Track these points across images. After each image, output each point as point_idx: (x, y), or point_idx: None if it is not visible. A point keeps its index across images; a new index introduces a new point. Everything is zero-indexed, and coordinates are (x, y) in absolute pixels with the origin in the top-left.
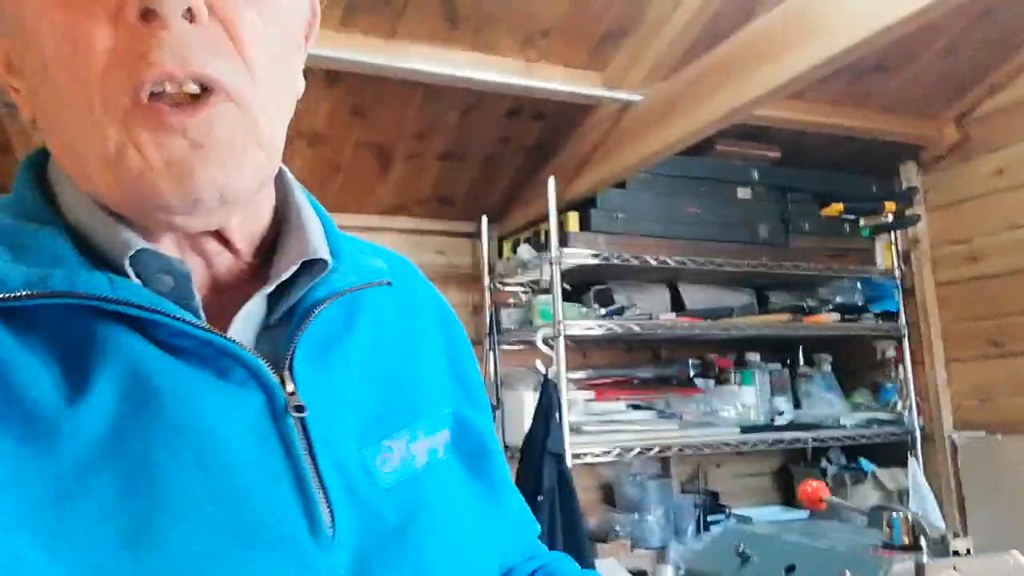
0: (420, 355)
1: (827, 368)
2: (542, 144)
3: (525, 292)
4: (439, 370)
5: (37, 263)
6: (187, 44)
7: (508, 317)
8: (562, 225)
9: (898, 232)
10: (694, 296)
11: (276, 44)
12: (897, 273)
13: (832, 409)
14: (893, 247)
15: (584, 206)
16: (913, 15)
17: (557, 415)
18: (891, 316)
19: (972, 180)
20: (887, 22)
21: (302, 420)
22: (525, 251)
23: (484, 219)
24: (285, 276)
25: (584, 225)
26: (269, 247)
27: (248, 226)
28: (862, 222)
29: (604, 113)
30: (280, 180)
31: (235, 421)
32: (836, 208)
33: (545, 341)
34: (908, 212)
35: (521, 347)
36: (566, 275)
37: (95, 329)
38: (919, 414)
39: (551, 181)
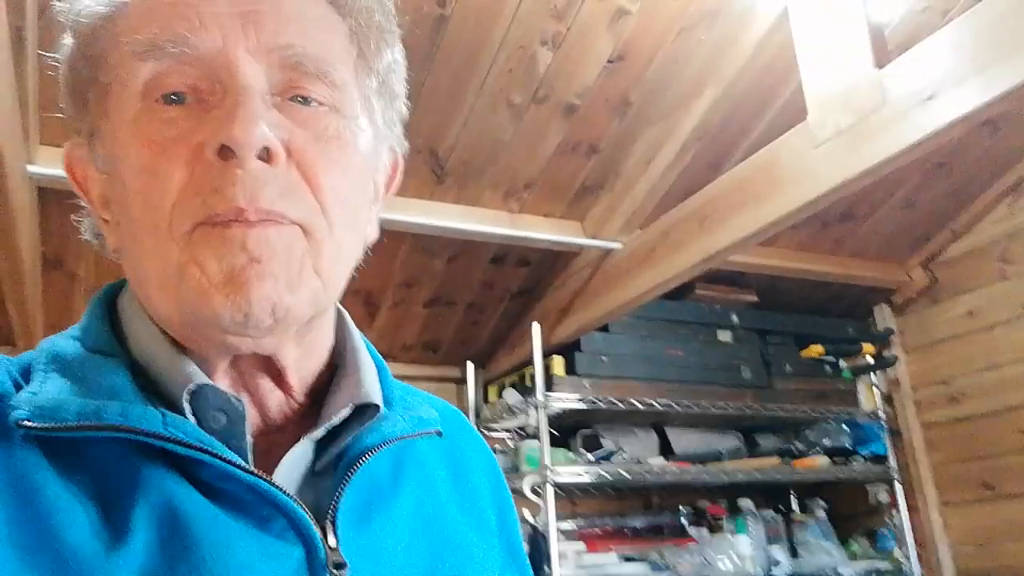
0: (469, 514)
1: (821, 514)
2: (526, 290)
3: (512, 438)
4: (488, 533)
5: (95, 395)
6: (261, 183)
7: None
8: (547, 369)
9: (879, 373)
10: (682, 440)
11: (351, 190)
12: (882, 415)
13: (830, 559)
14: (875, 388)
15: (569, 350)
16: (872, 169)
17: (547, 568)
18: (880, 459)
19: (945, 322)
20: (848, 175)
21: None
22: (511, 395)
23: (470, 364)
24: (336, 421)
25: (569, 369)
26: (323, 389)
27: (303, 363)
28: (843, 364)
29: (585, 260)
30: (340, 322)
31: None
32: (816, 350)
33: (533, 489)
34: (886, 353)
35: None
36: (553, 420)
37: (140, 467)
38: (919, 562)
39: (535, 326)
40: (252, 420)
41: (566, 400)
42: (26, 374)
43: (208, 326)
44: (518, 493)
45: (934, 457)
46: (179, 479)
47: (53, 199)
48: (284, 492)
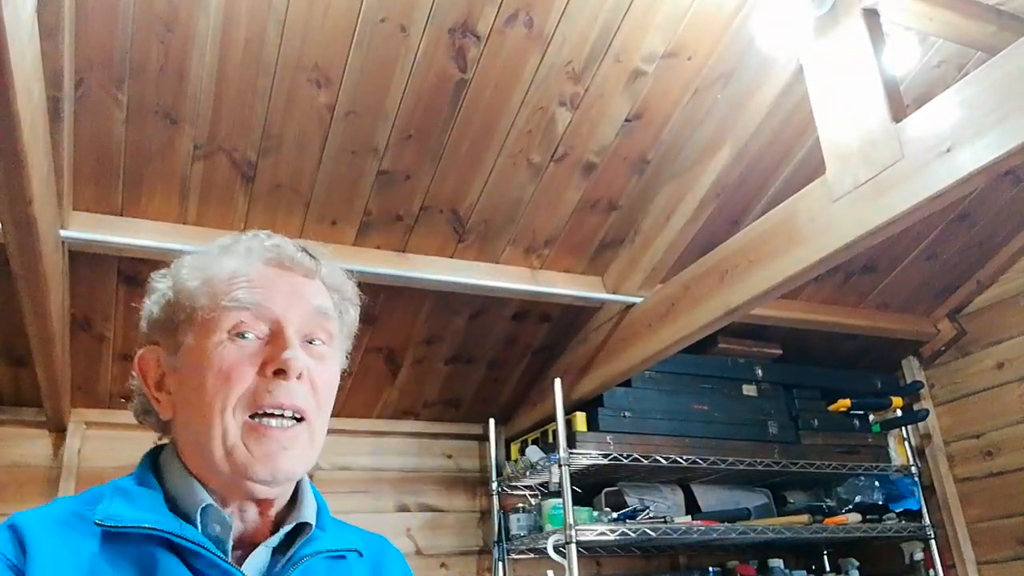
0: None
1: (855, 573)
2: (547, 346)
3: (534, 495)
4: None
5: (140, 510)
6: (295, 392)
7: (517, 523)
8: (570, 425)
9: (909, 427)
10: (708, 497)
11: (332, 394)
12: (914, 469)
13: None
14: (906, 443)
15: (591, 405)
16: (891, 221)
17: None
18: (914, 515)
19: (975, 374)
20: (868, 228)
21: None
22: (533, 452)
23: (492, 421)
24: (283, 531)
25: (592, 425)
26: (283, 519)
27: (279, 501)
28: (871, 418)
29: (606, 315)
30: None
31: None
32: (843, 404)
33: (556, 549)
34: (916, 407)
35: (531, 555)
36: (576, 477)
37: (160, 557)
38: None
39: (557, 382)
40: (237, 530)
41: (589, 457)
42: (99, 498)
43: (247, 480)
44: (541, 552)
45: (969, 513)
46: (181, 565)
47: (83, 262)
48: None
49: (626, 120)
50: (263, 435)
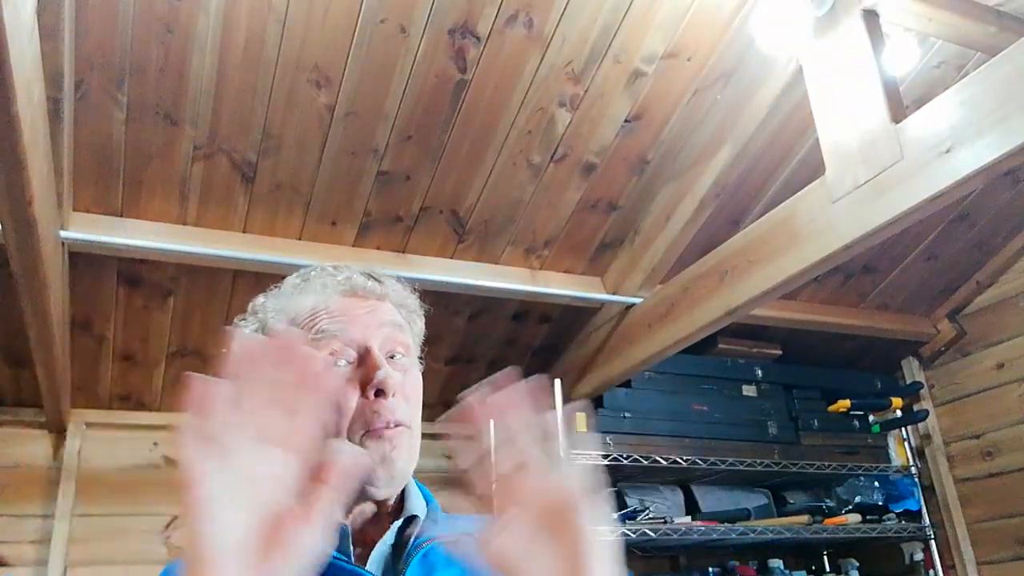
0: None
1: (855, 574)
2: (547, 346)
3: None
4: None
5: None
6: (394, 407)
7: None
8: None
9: (909, 428)
10: (709, 498)
11: (419, 401)
12: (914, 470)
13: None
14: (906, 443)
15: (591, 407)
16: (891, 222)
17: None
18: (914, 515)
19: (975, 375)
20: (867, 228)
21: None
22: None
23: (491, 422)
24: (398, 523)
25: (592, 426)
26: (398, 506)
27: (392, 500)
28: (871, 418)
29: (606, 316)
30: None
31: None
32: (843, 404)
33: None
34: (915, 407)
35: None
36: None
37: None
38: None
39: (557, 383)
40: (354, 531)
41: (588, 458)
42: None
43: (368, 484)
44: None
45: (969, 513)
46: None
47: (83, 263)
48: (369, 573)
49: (626, 120)
50: (378, 438)
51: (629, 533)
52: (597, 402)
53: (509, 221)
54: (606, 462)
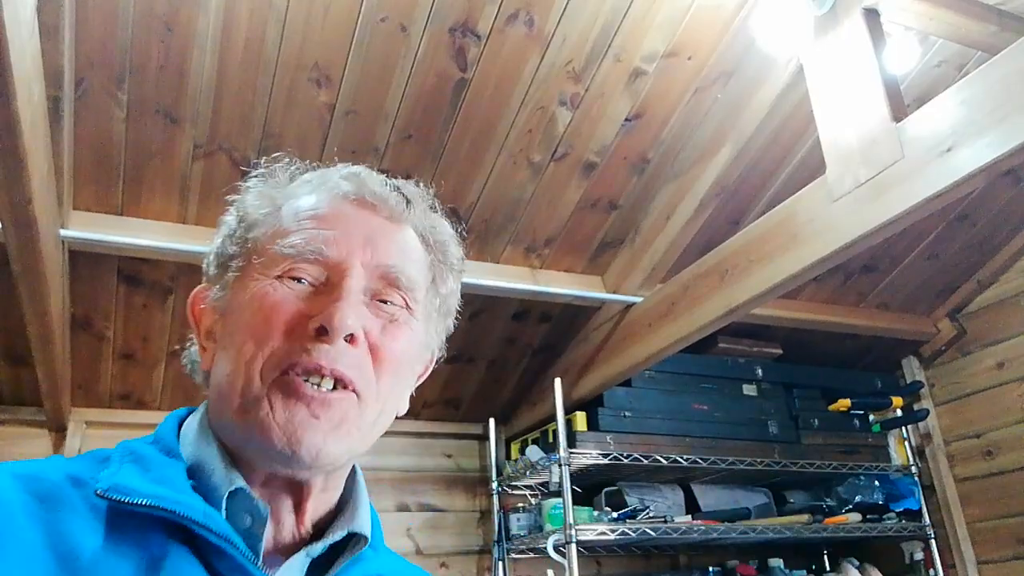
0: None
1: (855, 573)
2: (548, 346)
3: (534, 495)
4: None
5: (156, 483)
6: (341, 356)
7: (517, 523)
8: (570, 425)
9: (909, 427)
10: (709, 497)
11: (402, 371)
12: (914, 469)
13: None
14: (906, 442)
15: (591, 405)
16: (891, 221)
17: None
18: (914, 515)
19: (975, 374)
20: (868, 228)
21: None
22: (533, 452)
23: (492, 421)
24: (335, 538)
25: (592, 425)
26: (325, 527)
27: (320, 496)
28: (871, 417)
29: (606, 315)
30: (352, 478)
31: None
32: (843, 404)
33: (556, 548)
34: (916, 407)
35: (531, 555)
36: (576, 477)
37: (171, 550)
38: None
39: (557, 382)
40: (267, 535)
41: (589, 456)
42: (105, 461)
43: (262, 450)
44: (541, 552)
45: (969, 513)
46: (197, 564)
47: (83, 261)
48: None
49: (626, 120)
50: (292, 393)
51: (629, 532)
52: (597, 401)
53: (509, 220)
54: (606, 461)
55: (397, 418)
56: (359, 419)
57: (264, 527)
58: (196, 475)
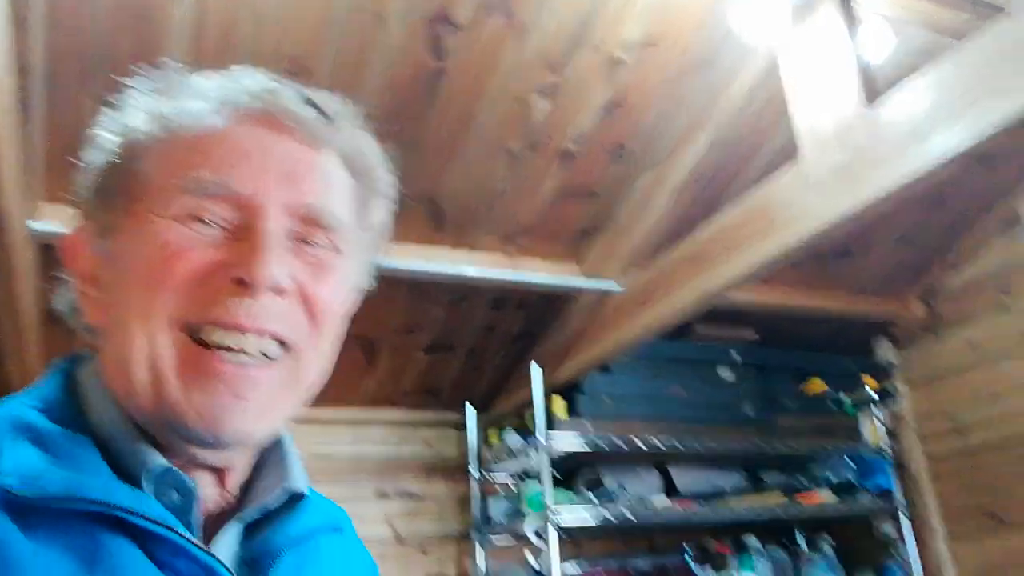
0: None
1: (828, 550)
2: (526, 333)
3: (513, 481)
4: None
5: (74, 469)
6: (266, 311)
7: (497, 508)
8: (549, 410)
9: (881, 407)
10: (685, 478)
11: (336, 313)
12: (887, 448)
13: None
14: (879, 422)
15: (570, 391)
16: (865, 205)
17: None
18: (886, 493)
19: (946, 354)
20: (842, 212)
21: None
22: (512, 438)
23: (469, 407)
24: (273, 505)
25: (571, 410)
26: (248, 484)
27: (244, 462)
28: (845, 398)
29: (584, 302)
30: None
31: None
32: (816, 384)
33: (536, 532)
34: (889, 387)
35: (511, 541)
36: (555, 461)
37: (103, 540)
38: None
39: (534, 366)
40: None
41: (568, 441)
42: None
43: (179, 436)
44: (521, 537)
45: (940, 490)
46: (138, 552)
47: (55, 255)
48: (229, 570)
49: (604, 108)
50: (208, 370)
51: (608, 515)
52: (576, 387)
53: (487, 209)
54: (585, 446)
55: (377, 407)
56: (296, 384)
57: (193, 501)
58: (104, 449)
